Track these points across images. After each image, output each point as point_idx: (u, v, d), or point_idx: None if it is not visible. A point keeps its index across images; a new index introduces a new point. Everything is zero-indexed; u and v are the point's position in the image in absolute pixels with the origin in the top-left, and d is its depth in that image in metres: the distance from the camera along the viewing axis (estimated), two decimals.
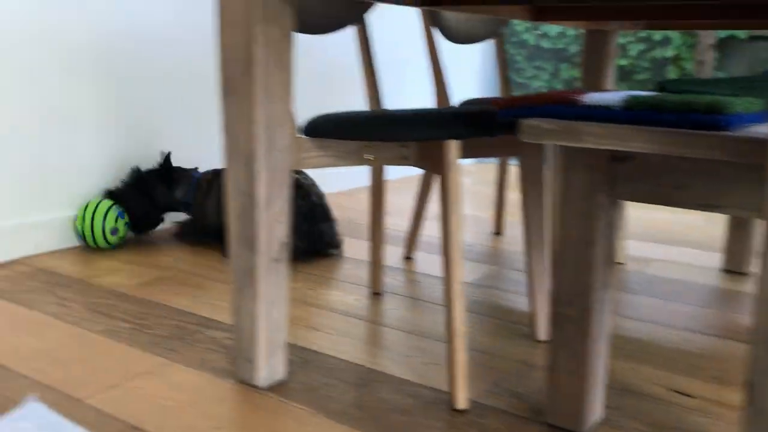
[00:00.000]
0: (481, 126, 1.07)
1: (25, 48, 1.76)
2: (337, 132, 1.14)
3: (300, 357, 1.25)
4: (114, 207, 1.89)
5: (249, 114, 1.04)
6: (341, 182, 2.89)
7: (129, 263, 1.79)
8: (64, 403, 1.06)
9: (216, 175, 2.00)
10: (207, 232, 1.98)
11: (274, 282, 1.11)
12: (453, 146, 1.02)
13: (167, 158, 2.00)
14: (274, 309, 1.12)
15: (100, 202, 1.89)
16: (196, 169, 2.05)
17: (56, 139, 1.87)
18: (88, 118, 1.93)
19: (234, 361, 1.22)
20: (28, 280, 1.64)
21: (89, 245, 1.90)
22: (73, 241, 1.93)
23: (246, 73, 1.02)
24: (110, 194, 1.95)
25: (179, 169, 2.03)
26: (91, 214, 1.85)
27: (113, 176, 2.02)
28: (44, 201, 1.86)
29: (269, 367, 1.13)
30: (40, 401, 1.06)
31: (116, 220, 1.88)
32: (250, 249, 1.09)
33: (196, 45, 2.18)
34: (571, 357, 0.99)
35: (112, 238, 1.87)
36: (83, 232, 1.86)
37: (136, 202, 1.96)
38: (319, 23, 1.34)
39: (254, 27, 1.00)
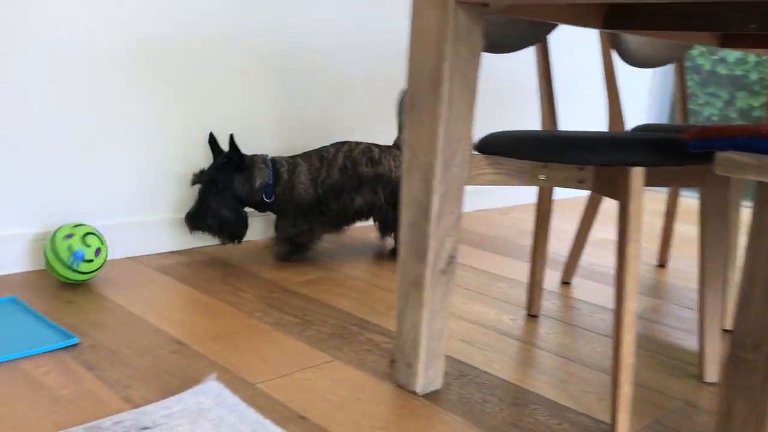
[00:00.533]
0: (669, 154, 1.04)
1: (220, 54, 1.92)
2: (511, 150, 1.15)
3: (455, 369, 1.26)
4: (89, 235, 1.57)
5: (431, 129, 1.07)
6: (495, 200, 2.88)
7: (294, 261, 1.89)
8: (237, 384, 1.15)
9: (300, 155, 1.90)
10: (299, 206, 1.85)
11: (439, 293, 1.14)
12: (639, 173, 1.00)
13: (233, 141, 1.79)
14: (437, 319, 1.15)
15: (77, 226, 1.58)
16: (266, 155, 1.88)
17: (242, 138, 2.01)
18: (269, 121, 2.07)
19: (392, 365, 1.26)
20: (205, 268, 1.78)
21: (56, 276, 1.57)
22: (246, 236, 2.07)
23: (433, 89, 1.06)
24: (194, 217, 1.78)
25: (247, 155, 1.86)
26: (54, 236, 1.56)
27: None
28: None
29: (427, 375, 1.16)
30: (218, 381, 1.15)
31: (84, 238, 1.55)
32: (419, 259, 1.12)
33: (370, 57, 2.27)
34: (749, 405, 0.93)
35: (81, 265, 1.54)
36: (47, 257, 1.54)
37: (221, 205, 1.79)
38: (503, 43, 1.36)
39: (445, 46, 1.03)
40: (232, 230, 1.82)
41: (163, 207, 1.89)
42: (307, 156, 1.90)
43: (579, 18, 1.21)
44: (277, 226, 1.90)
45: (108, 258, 1.79)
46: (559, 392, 1.20)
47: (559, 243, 2.32)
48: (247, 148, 2.03)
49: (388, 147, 1.95)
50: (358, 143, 1.92)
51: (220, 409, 1.04)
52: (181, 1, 1.81)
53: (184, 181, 1.92)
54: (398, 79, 2.38)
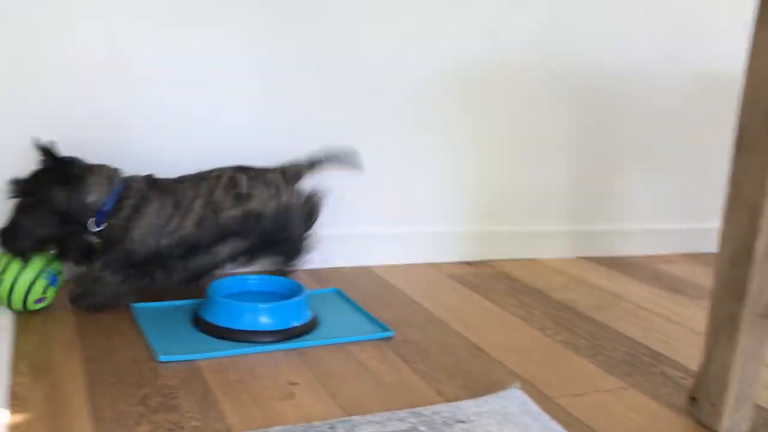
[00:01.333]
0: None
1: (520, 74, 2.02)
2: None
3: (762, 417, 1.21)
4: (45, 275, 1.40)
5: (763, 168, 1.05)
6: None
7: (581, 284, 1.92)
8: (536, 396, 1.22)
9: (155, 184, 1.48)
10: (127, 257, 1.43)
11: (755, 337, 1.10)
12: None
13: (46, 149, 1.38)
14: (750, 363, 1.12)
15: (24, 268, 1.38)
16: (116, 170, 1.46)
17: (532, 163, 2.10)
18: (552, 146, 2.13)
19: (692, 402, 1.24)
20: (492, 280, 1.89)
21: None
22: (526, 253, 2.14)
23: (766, 127, 1.04)
24: (5, 236, 1.39)
25: (85, 164, 1.43)
26: (11, 280, 1.37)
27: (573, 203, 2.18)
28: (498, 215, 2.11)
29: (733, 418, 1.13)
30: (521, 390, 1.23)
31: (44, 290, 1.40)
32: (736, 299, 1.10)
33: (678, 85, 2.23)
34: None
35: (35, 306, 1.41)
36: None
37: (38, 223, 1.39)
38: None
39: None
40: (62, 253, 1.45)
41: (457, 218, 2.04)
42: (159, 194, 1.46)
43: None
44: (94, 264, 1.45)
45: (410, 262, 1.98)
46: None
47: None
48: (533, 171, 2.11)
49: (261, 171, 1.56)
50: (218, 177, 1.51)
51: (526, 416, 1.12)
52: (490, 29, 1.94)
53: (497, 194, 2.05)
54: (703, 108, 2.30)
